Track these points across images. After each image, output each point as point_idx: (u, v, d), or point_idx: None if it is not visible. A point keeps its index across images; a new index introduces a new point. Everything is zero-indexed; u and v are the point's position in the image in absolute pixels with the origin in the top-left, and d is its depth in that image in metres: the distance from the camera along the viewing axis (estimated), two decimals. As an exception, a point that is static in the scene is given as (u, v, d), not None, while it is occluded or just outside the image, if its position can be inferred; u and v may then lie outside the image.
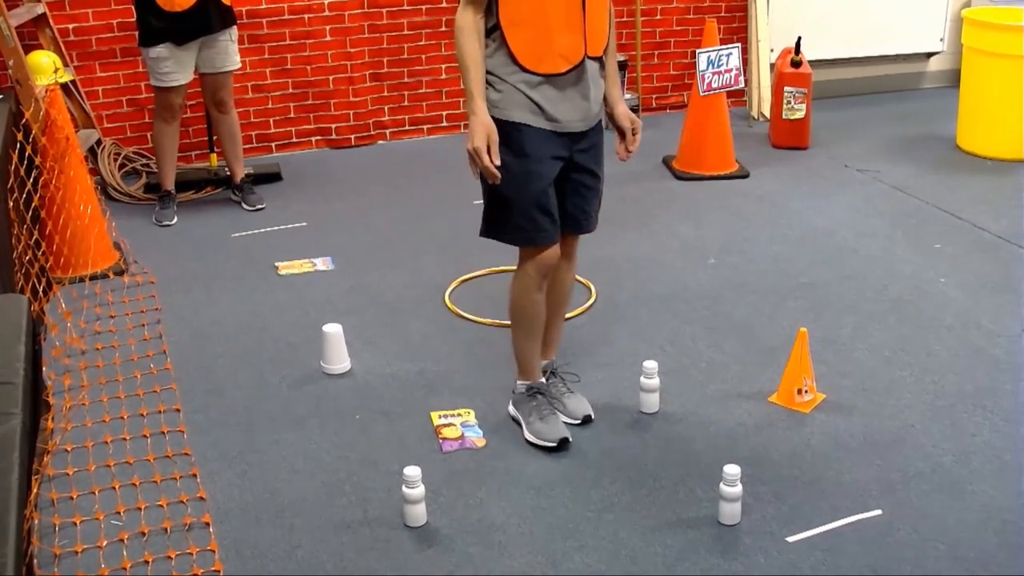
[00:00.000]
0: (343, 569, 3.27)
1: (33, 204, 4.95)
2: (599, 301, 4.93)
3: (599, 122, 3.68)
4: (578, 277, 5.02)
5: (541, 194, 3.57)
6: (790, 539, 3.34)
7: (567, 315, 4.50)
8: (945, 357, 4.39)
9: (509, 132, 3.50)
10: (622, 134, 3.77)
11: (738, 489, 3.37)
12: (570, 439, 3.81)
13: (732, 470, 3.36)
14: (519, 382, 3.97)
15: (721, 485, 3.39)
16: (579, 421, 3.93)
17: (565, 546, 3.34)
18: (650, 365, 4.01)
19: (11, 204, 4.24)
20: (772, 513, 3.46)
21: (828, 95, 8.25)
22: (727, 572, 3.21)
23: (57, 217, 5.17)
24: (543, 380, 3.99)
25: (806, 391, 4.05)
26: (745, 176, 6.66)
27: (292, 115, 7.40)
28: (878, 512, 3.45)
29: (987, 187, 6.35)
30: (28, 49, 6.06)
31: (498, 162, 3.45)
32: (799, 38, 7.15)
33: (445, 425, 4.00)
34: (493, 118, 3.48)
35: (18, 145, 4.71)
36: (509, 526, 3.45)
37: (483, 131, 3.43)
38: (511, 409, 4.00)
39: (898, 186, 6.38)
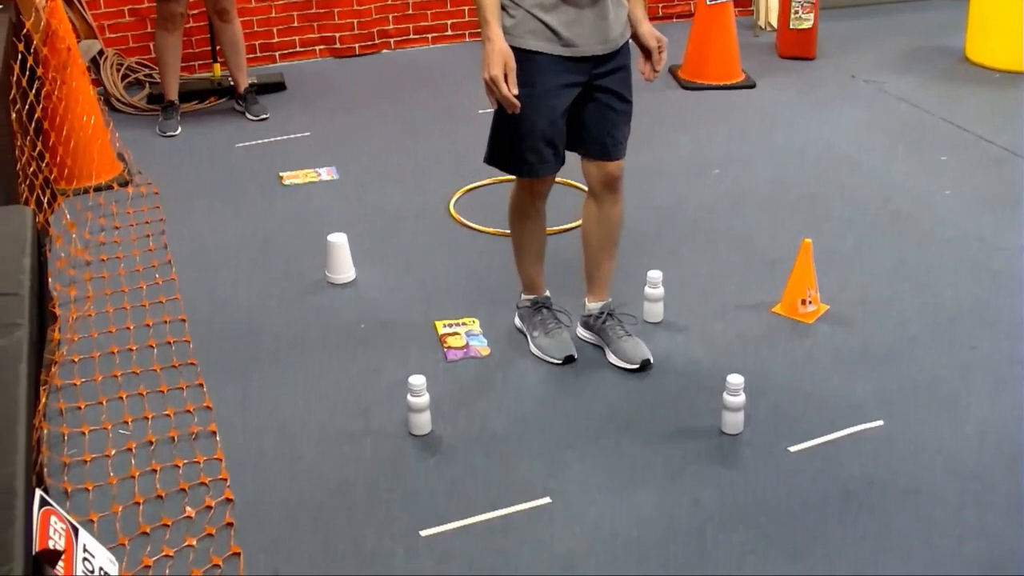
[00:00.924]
0: (346, 478, 3.31)
1: (36, 115, 4.93)
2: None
3: (625, 44, 3.54)
4: (581, 186, 5.03)
5: (550, 126, 3.49)
6: (791, 449, 3.37)
7: (568, 226, 4.52)
8: (946, 270, 4.40)
9: (521, 61, 3.35)
10: (647, 53, 3.60)
11: (741, 398, 3.40)
12: (575, 356, 3.81)
13: (735, 379, 3.39)
14: (523, 296, 3.97)
15: (724, 394, 3.41)
16: (637, 366, 3.77)
17: (567, 456, 3.38)
18: (654, 275, 4.03)
19: (13, 115, 4.23)
20: (773, 423, 3.50)
21: (836, 5, 8.16)
22: (728, 481, 3.25)
23: (60, 128, 5.15)
24: (547, 294, 3.96)
25: (810, 302, 4.07)
26: (751, 87, 6.62)
27: (295, 24, 7.34)
28: (878, 423, 3.48)
29: (994, 100, 6.31)
30: (28, -43, 6.00)
31: (516, 91, 3.31)
32: (807, -54, 7.07)
33: (450, 334, 4.02)
34: None
35: (19, 56, 4.69)
36: (512, 434, 3.49)
37: (500, 58, 3.29)
38: (517, 321, 4.01)
39: (904, 98, 6.35)
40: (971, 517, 3.08)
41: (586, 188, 3.76)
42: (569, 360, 3.80)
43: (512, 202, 3.79)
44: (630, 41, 3.59)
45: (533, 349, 3.87)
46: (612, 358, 3.81)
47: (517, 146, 3.53)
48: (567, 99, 3.48)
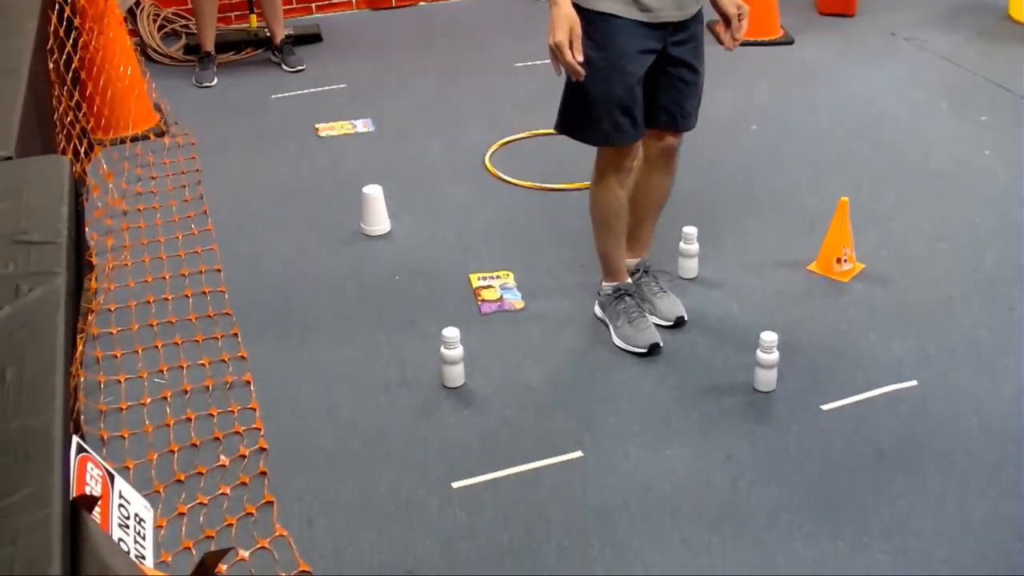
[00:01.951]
0: (380, 428, 3.32)
1: (73, 66, 4.94)
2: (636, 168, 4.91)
3: (700, 11, 3.37)
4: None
5: (626, 92, 3.32)
6: (824, 407, 3.36)
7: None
8: (985, 231, 4.36)
9: (595, 23, 3.21)
10: (727, 20, 3.37)
11: (775, 356, 3.39)
12: (661, 344, 3.65)
13: (769, 337, 3.38)
14: (604, 283, 3.80)
15: (758, 351, 3.40)
16: (671, 323, 3.74)
17: (600, 409, 3.38)
18: (689, 230, 4.01)
19: (51, 66, 4.23)
20: (807, 381, 3.48)
21: (877, -40, 8.06)
22: (762, 437, 3.24)
23: (97, 79, 5.16)
24: (630, 281, 3.81)
25: (845, 260, 4.04)
26: (790, 43, 6.56)
27: (332, -25, 7.32)
28: (913, 383, 3.47)
29: (1037, 57, 6.24)
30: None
31: (581, 57, 3.15)
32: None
33: (484, 287, 4.02)
34: (577, 7, 3.17)
35: (56, 6, 4.69)
36: (546, 388, 3.50)
37: (565, 23, 3.11)
38: (597, 310, 3.85)
39: (945, 56, 6.27)
40: (1006, 478, 3.06)
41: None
42: (654, 349, 3.64)
43: (594, 177, 3.62)
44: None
45: (616, 340, 3.70)
46: (646, 315, 3.76)
47: (591, 113, 3.37)
48: (643, 65, 3.32)
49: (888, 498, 3.00)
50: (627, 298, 3.74)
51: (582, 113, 3.40)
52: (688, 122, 3.54)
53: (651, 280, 3.84)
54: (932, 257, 4.18)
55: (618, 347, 3.69)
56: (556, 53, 3.17)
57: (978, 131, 5.27)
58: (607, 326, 3.77)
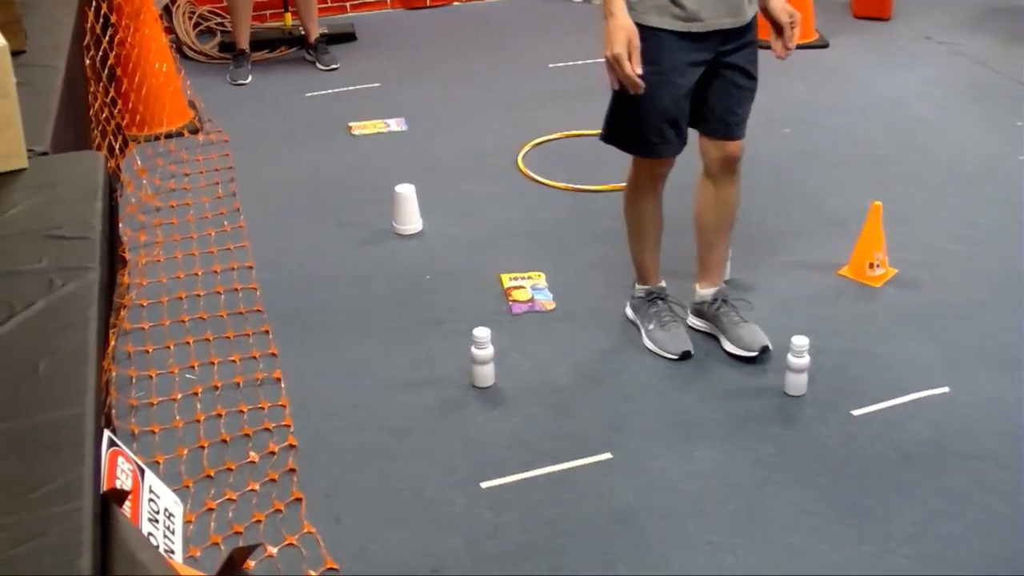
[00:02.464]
0: (409, 427, 3.33)
1: (109, 62, 4.97)
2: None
3: (753, 19, 3.32)
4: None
5: (674, 106, 3.28)
6: (854, 412, 3.35)
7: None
8: (1017, 235, 4.33)
9: (644, 38, 3.12)
10: (779, 29, 3.35)
11: (805, 360, 3.38)
12: (692, 352, 3.62)
13: (800, 341, 3.37)
14: (637, 286, 3.77)
15: (788, 355, 3.40)
16: (755, 354, 3.57)
17: (629, 409, 3.39)
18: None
19: (87, 62, 4.27)
20: (837, 386, 3.48)
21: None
22: (789, 441, 3.24)
23: (132, 75, 5.20)
24: (663, 284, 3.76)
25: (877, 265, 4.03)
26: (824, 46, 6.54)
27: (367, -25, 7.35)
28: (944, 389, 3.45)
29: (1073, 63, 6.19)
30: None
31: (640, 70, 3.09)
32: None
33: (515, 287, 4.03)
34: None
35: (93, 3, 4.72)
36: (574, 388, 3.50)
37: (624, 35, 3.06)
38: (629, 312, 3.82)
39: (980, 60, 6.23)
40: (1034, 484, 3.05)
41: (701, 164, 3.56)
42: (686, 356, 3.61)
43: (629, 183, 3.59)
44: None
45: (647, 342, 3.68)
46: (728, 346, 3.64)
47: (638, 126, 3.34)
48: (692, 78, 3.28)
49: (914, 503, 2.99)
50: (659, 302, 3.72)
51: (629, 125, 3.36)
52: (741, 129, 3.46)
53: (730, 309, 3.69)
54: (963, 261, 4.16)
55: (648, 349, 3.67)
56: (613, 66, 3.11)
57: (1010, 135, 5.24)
58: (638, 328, 3.75)
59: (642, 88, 3.13)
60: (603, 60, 3.13)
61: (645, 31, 3.15)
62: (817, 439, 3.25)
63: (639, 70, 3.10)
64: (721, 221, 3.63)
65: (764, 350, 3.58)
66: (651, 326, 3.69)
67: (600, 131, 3.48)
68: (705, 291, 3.73)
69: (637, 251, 3.72)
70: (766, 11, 3.35)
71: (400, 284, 4.10)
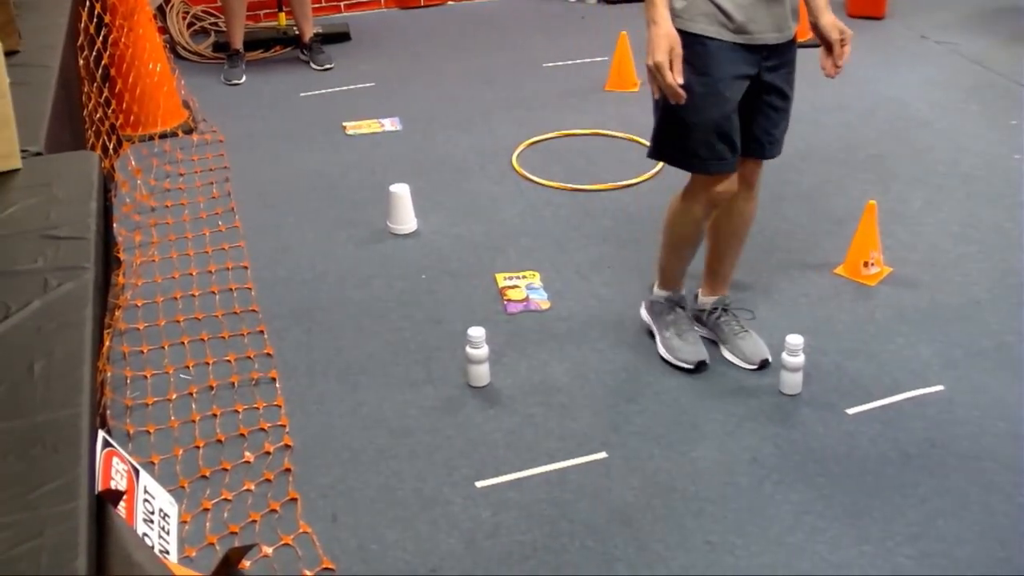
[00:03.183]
0: (406, 426, 3.32)
1: (103, 62, 4.96)
2: (665, 169, 4.90)
3: (794, 37, 3.25)
4: (645, 142, 4.98)
5: (723, 119, 3.17)
6: (850, 411, 3.35)
7: (633, 181, 4.49)
8: (1015, 234, 4.33)
9: (690, 46, 3.04)
10: (829, 47, 3.23)
11: (801, 359, 3.38)
12: (708, 362, 3.57)
13: (795, 340, 3.37)
14: (658, 290, 3.70)
15: (784, 354, 3.39)
16: (755, 367, 3.55)
17: (627, 409, 3.38)
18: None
19: (81, 62, 4.26)
20: (833, 385, 3.47)
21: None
22: (787, 440, 3.23)
23: (127, 75, 5.19)
24: (683, 292, 3.70)
25: (872, 264, 4.02)
26: (818, 45, 6.51)
27: (361, -26, 7.34)
28: (940, 388, 3.45)
29: (1068, 61, 6.19)
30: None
31: (681, 79, 2.98)
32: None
33: (510, 287, 4.02)
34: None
35: (87, 3, 4.71)
36: (571, 388, 3.49)
37: (666, 43, 2.95)
38: (644, 315, 3.76)
39: (976, 59, 6.23)
40: (1033, 483, 3.05)
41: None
42: (701, 367, 3.56)
43: (684, 192, 3.43)
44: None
45: (662, 351, 3.62)
46: (728, 355, 3.62)
47: (687, 139, 3.22)
48: (740, 90, 3.18)
49: (913, 502, 2.99)
50: (679, 309, 3.66)
51: (679, 140, 3.24)
52: (775, 150, 3.39)
53: (731, 319, 3.66)
54: (960, 260, 4.16)
55: (663, 359, 3.61)
56: (655, 75, 3.00)
57: (1008, 135, 5.24)
58: (652, 334, 3.70)
59: (683, 98, 3.02)
60: (647, 67, 3.02)
61: (691, 38, 3.06)
62: (815, 438, 3.24)
63: (680, 79, 2.99)
64: (733, 235, 3.59)
65: (764, 363, 3.55)
66: (668, 333, 3.63)
67: (648, 146, 3.38)
68: (707, 299, 3.71)
69: (668, 261, 3.63)
70: (816, 27, 3.24)
71: (397, 284, 4.09)
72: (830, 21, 3.21)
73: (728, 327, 3.64)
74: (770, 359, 3.55)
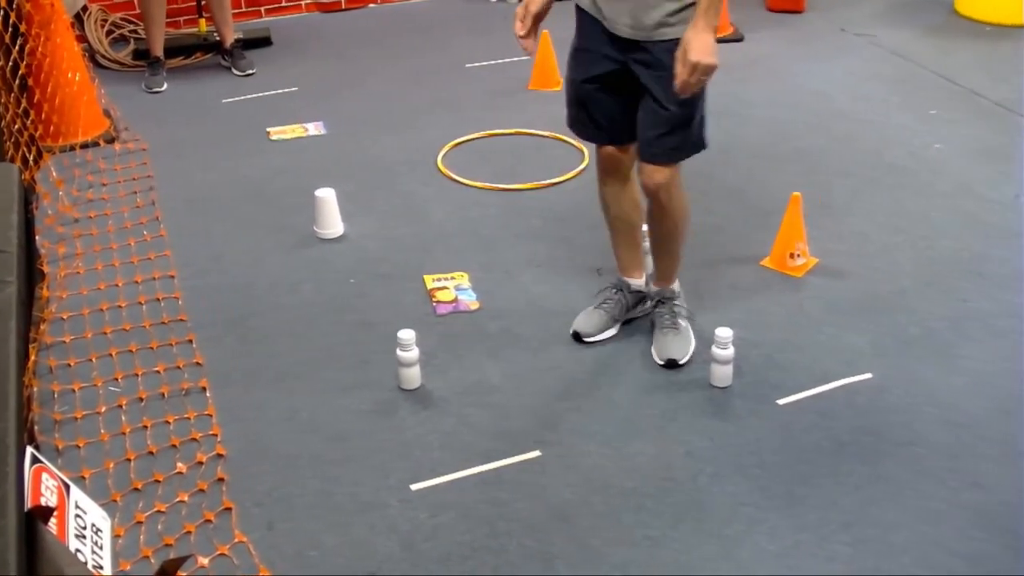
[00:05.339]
0: (341, 432, 3.31)
1: (20, 72, 4.89)
2: (592, 165, 4.92)
3: (670, 42, 3.09)
4: (570, 140, 5.01)
5: (579, 86, 3.38)
6: (781, 401, 3.38)
7: (559, 179, 4.50)
8: (939, 223, 4.39)
9: (576, 16, 3.34)
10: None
11: (730, 351, 3.40)
12: (583, 338, 3.67)
13: (724, 333, 3.39)
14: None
15: (713, 347, 3.41)
16: (662, 363, 3.57)
17: (561, 407, 3.38)
18: (646, 228, 4.01)
19: (-2, 72, 4.20)
20: (764, 376, 3.50)
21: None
22: (721, 432, 3.25)
23: (45, 85, 5.11)
24: (630, 280, 3.73)
25: (798, 255, 4.06)
26: (740, 40, 6.58)
27: (281, -22, 7.28)
28: (868, 375, 3.48)
29: (985, 53, 6.27)
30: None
31: (521, 32, 3.26)
32: None
33: (439, 288, 4.01)
34: None
35: (1, 12, 4.64)
36: (504, 387, 3.49)
37: (525, 2, 3.28)
38: None
39: (895, 51, 6.31)
40: (964, 467, 3.09)
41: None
42: (575, 337, 3.67)
43: None
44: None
45: None
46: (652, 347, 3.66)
47: (566, 97, 3.49)
48: (601, 68, 3.29)
49: (848, 489, 3.02)
50: (613, 292, 3.73)
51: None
52: (650, 151, 3.33)
53: (665, 313, 3.66)
54: (886, 250, 4.21)
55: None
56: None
57: (930, 125, 5.31)
58: None
59: (524, 48, 3.31)
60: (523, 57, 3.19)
61: (577, 10, 3.34)
62: (749, 430, 3.26)
63: (521, 32, 3.28)
64: (654, 238, 3.63)
65: (671, 363, 3.56)
66: (588, 308, 3.74)
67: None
68: (652, 288, 3.75)
69: (611, 239, 3.74)
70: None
71: (327, 289, 4.06)
72: (684, 37, 3.04)
73: (659, 320, 3.67)
74: (680, 361, 3.56)
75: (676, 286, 3.71)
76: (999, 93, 5.62)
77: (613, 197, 3.61)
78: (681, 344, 3.60)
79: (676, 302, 3.69)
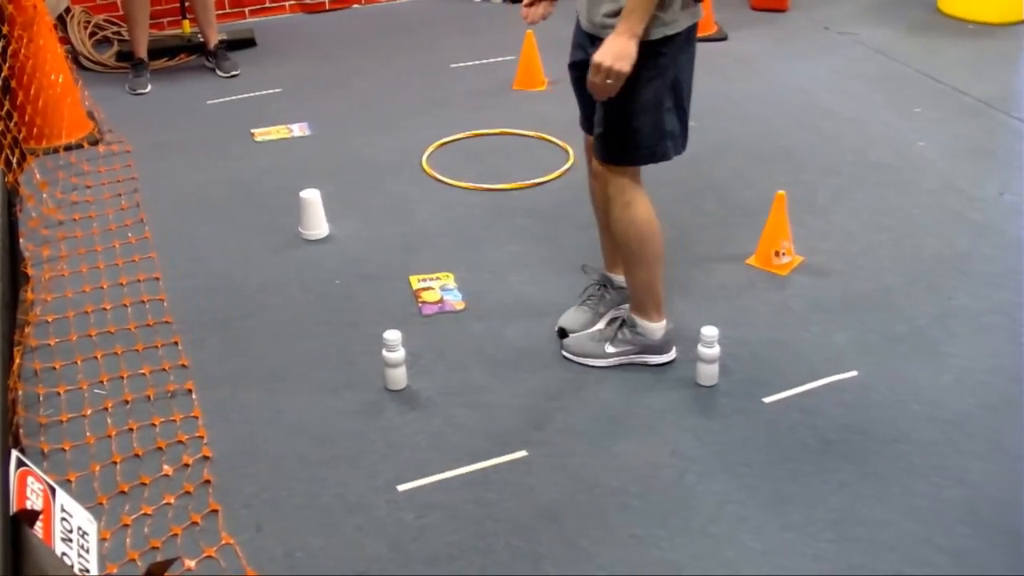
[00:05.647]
0: (327, 433, 3.30)
1: (3, 74, 4.88)
2: (578, 165, 4.92)
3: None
4: (555, 140, 5.02)
5: (569, 67, 3.42)
6: (767, 400, 3.38)
7: (544, 179, 4.50)
8: (924, 221, 4.40)
9: None
10: None
11: (716, 350, 3.41)
12: (564, 332, 3.68)
13: (710, 331, 3.39)
14: None
15: (699, 346, 3.42)
16: (556, 328, 3.71)
17: (547, 407, 3.38)
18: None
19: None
20: (750, 374, 3.50)
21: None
22: (707, 431, 3.25)
23: (28, 87, 5.10)
24: (607, 273, 3.79)
25: (783, 254, 4.06)
26: (723, 39, 6.59)
27: (265, -21, 7.27)
28: (854, 373, 3.49)
29: (968, 51, 6.29)
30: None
31: (526, 11, 3.38)
32: None
33: (424, 289, 4.01)
34: None
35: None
36: (491, 387, 3.49)
37: None
38: None
39: (879, 49, 6.33)
40: (950, 464, 3.10)
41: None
42: (561, 334, 3.68)
43: None
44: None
45: None
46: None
47: None
48: (576, 56, 3.35)
49: (834, 487, 3.02)
50: (595, 287, 3.78)
51: None
52: (596, 146, 3.33)
53: (596, 290, 3.77)
54: (871, 248, 4.21)
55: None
56: None
57: (914, 123, 5.32)
58: None
59: (524, 17, 3.39)
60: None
61: None
62: (735, 428, 3.26)
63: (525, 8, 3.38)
64: (616, 244, 3.56)
65: (560, 332, 3.68)
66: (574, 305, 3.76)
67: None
68: (618, 278, 3.77)
69: (599, 233, 3.75)
70: None
71: (313, 290, 4.06)
72: (606, 41, 3.05)
73: (588, 290, 3.79)
74: (566, 331, 3.67)
75: (641, 320, 3.54)
76: (983, 91, 5.64)
77: (594, 185, 3.59)
78: (580, 318, 3.72)
79: (625, 330, 3.58)
